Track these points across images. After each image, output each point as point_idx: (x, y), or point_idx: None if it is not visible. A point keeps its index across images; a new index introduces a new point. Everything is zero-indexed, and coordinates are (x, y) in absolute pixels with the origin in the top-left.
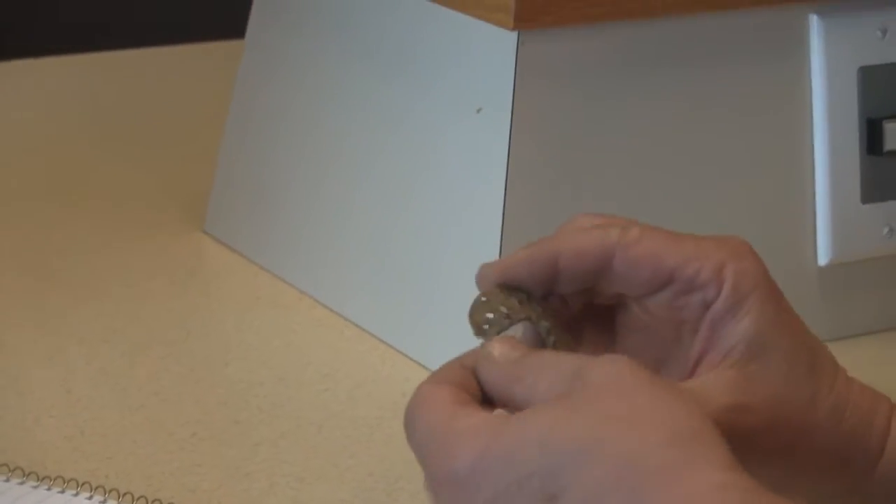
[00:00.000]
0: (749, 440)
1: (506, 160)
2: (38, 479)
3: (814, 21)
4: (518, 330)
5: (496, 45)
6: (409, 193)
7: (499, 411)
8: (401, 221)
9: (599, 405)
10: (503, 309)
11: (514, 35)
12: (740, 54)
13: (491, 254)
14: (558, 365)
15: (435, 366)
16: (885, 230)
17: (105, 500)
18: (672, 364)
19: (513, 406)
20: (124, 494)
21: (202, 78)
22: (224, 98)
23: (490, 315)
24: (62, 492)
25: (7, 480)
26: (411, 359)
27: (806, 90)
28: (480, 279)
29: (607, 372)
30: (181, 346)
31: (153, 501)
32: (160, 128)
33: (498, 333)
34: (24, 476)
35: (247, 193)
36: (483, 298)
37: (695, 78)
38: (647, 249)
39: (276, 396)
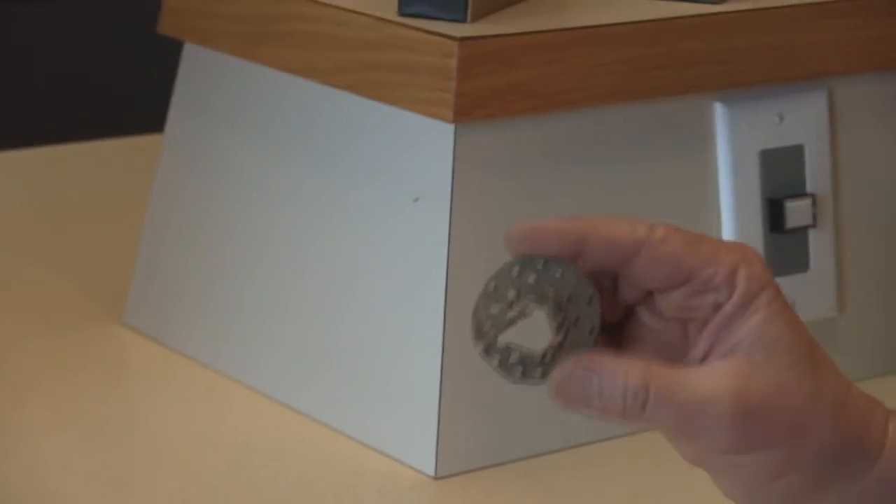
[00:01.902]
0: (751, 424)
1: (446, 248)
2: None
3: (718, 109)
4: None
5: (434, 137)
6: (349, 283)
7: None
8: (340, 309)
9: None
10: (510, 295)
11: (451, 127)
12: (655, 140)
13: (433, 339)
14: None
15: (379, 444)
16: (788, 303)
17: None
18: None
19: None
20: None
21: (112, 174)
22: (136, 192)
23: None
24: None
25: None
26: (355, 439)
27: (713, 172)
28: (508, 238)
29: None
30: (128, 436)
31: None
32: (67, 225)
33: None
34: None
35: (170, 285)
36: (493, 285)
37: (617, 163)
38: (671, 249)
39: (230, 482)
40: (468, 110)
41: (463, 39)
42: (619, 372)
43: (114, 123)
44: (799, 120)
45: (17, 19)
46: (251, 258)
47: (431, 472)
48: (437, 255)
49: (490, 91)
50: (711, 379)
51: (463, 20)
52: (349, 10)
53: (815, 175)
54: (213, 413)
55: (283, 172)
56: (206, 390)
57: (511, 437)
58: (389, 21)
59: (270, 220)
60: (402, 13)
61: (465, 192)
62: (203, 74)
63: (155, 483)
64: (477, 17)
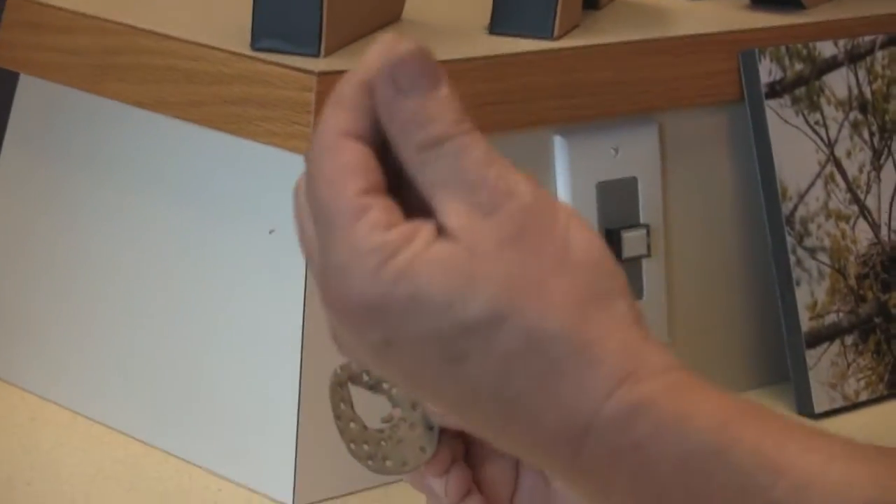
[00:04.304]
0: None
1: (303, 279)
2: None
3: (557, 142)
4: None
5: (289, 169)
6: (205, 315)
7: (408, 225)
8: (196, 342)
9: (517, 249)
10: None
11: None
12: None
13: (290, 370)
14: (497, 170)
15: (236, 475)
16: None
17: None
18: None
19: (417, 179)
20: None
21: None
22: None
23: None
24: None
25: None
26: (212, 471)
27: None
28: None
29: (539, 207)
30: None
31: None
32: None
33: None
34: None
35: (5, 316)
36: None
37: None
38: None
39: None
40: None
41: (321, 74)
42: None
43: None
44: (632, 153)
45: None
46: (97, 291)
47: (289, 501)
48: (294, 285)
49: None
50: None
51: (317, 55)
52: (201, 45)
53: (648, 206)
54: (59, 445)
55: (130, 204)
56: (50, 423)
57: None
58: (244, 55)
59: (118, 254)
60: (254, 48)
61: None
62: (41, 106)
63: None
64: (329, 52)
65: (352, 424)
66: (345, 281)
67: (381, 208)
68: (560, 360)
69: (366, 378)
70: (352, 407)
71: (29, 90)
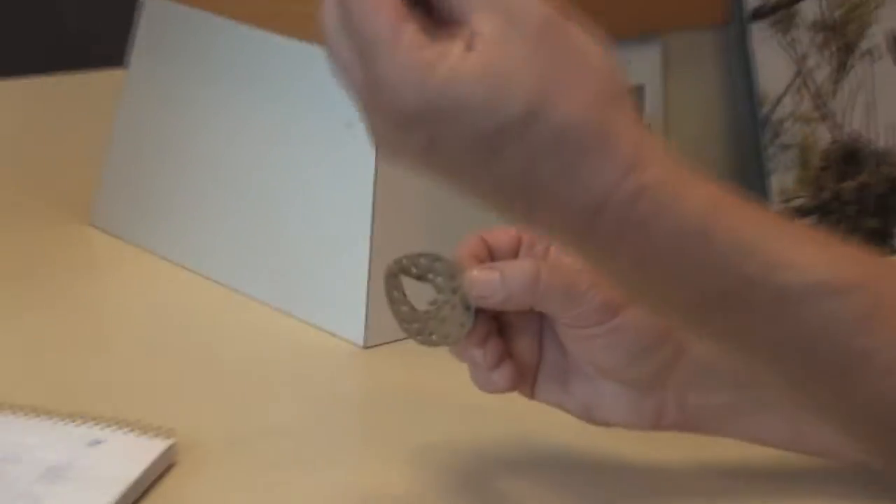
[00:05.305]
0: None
1: (373, 172)
2: None
3: None
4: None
5: None
6: (290, 190)
7: (445, 41)
8: (282, 210)
9: (544, 55)
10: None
11: None
12: None
13: (360, 255)
14: None
15: (317, 319)
16: None
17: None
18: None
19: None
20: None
21: (72, 108)
22: (93, 125)
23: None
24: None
25: None
26: (295, 317)
27: None
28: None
29: (558, 20)
30: (105, 331)
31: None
32: (40, 149)
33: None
34: None
35: (136, 191)
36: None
37: None
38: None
39: (210, 371)
40: None
41: None
42: (516, 264)
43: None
44: (640, 66)
45: None
46: (207, 172)
47: (361, 342)
48: (365, 179)
49: None
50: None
51: None
52: None
53: (652, 113)
54: (150, 288)
55: (233, 105)
56: (170, 280)
57: None
58: None
59: (224, 143)
60: None
61: None
62: (161, 22)
63: (147, 370)
64: None
65: (403, 308)
66: (395, 94)
67: (417, 26)
68: (582, 150)
69: (414, 270)
70: (403, 293)
71: (151, 8)
